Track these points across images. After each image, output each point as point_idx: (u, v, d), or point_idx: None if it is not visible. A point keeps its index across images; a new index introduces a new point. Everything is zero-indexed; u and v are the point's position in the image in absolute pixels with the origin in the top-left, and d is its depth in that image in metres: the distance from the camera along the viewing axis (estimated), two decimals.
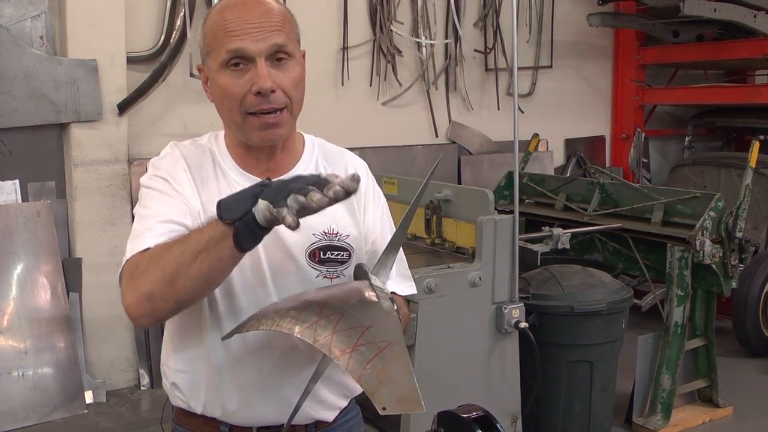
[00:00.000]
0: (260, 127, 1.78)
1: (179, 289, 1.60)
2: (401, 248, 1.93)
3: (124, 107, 5.18)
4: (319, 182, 1.45)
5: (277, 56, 1.76)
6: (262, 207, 1.46)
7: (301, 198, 1.43)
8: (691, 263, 4.45)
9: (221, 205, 1.53)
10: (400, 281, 1.99)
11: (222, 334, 1.77)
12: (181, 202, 1.79)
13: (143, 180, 1.85)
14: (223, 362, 1.84)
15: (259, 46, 1.73)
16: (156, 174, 1.83)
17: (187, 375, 1.90)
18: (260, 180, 1.75)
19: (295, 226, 1.43)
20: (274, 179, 1.53)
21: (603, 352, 4.21)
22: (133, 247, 1.72)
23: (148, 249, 1.68)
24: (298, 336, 1.54)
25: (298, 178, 1.49)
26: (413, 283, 2.06)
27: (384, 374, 1.46)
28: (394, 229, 1.91)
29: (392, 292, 1.91)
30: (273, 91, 1.75)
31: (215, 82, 1.79)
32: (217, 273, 1.61)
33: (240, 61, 1.74)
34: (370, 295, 1.62)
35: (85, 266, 5.09)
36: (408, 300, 2.08)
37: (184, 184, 1.82)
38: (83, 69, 5.01)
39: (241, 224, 1.50)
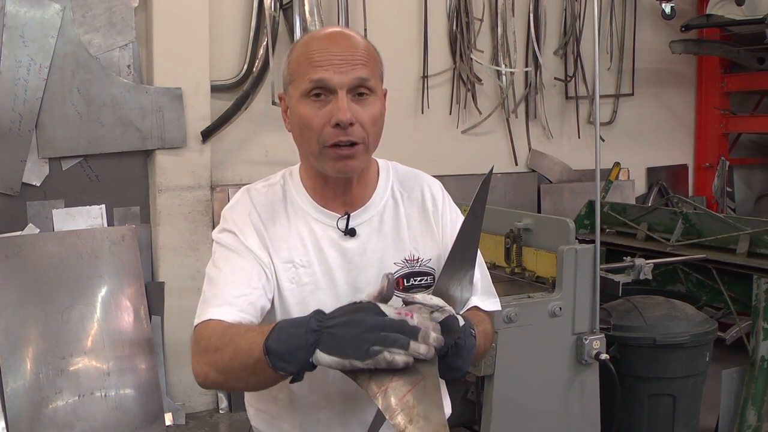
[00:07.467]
0: (335, 158, 1.77)
1: (231, 382, 1.67)
2: (484, 265, 1.92)
3: (207, 135, 5.28)
4: (405, 329, 1.44)
5: (359, 90, 1.75)
6: (329, 362, 1.44)
7: (401, 355, 1.42)
8: None
9: (272, 353, 1.49)
10: (484, 297, 1.98)
11: None
12: (250, 259, 1.80)
13: (215, 234, 1.88)
14: (305, 396, 1.85)
15: (341, 78, 1.73)
16: (225, 227, 1.86)
17: (268, 415, 1.92)
18: (336, 215, 1.85)
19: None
20: (330, 321, 1.47)
21: (686, 386, 4.10)
22: (201, 313, 1.75)
23: (211, 320, 1.71)
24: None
25: (360, 321, 1.44)
26: (497, 299, 2.04)
27: (414, 412, 1.43)
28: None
29: (475, 306, 1.91)
30: (351, 124, 1.74)
31: (295, 111, 1.79)
32: (266, 386, 1.66)
33: (321, 92, 1.74)
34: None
35: (167, 290, 5.17)
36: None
37: (252, 238, 1.82)
38: (168, 97, 5.13)
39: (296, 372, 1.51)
